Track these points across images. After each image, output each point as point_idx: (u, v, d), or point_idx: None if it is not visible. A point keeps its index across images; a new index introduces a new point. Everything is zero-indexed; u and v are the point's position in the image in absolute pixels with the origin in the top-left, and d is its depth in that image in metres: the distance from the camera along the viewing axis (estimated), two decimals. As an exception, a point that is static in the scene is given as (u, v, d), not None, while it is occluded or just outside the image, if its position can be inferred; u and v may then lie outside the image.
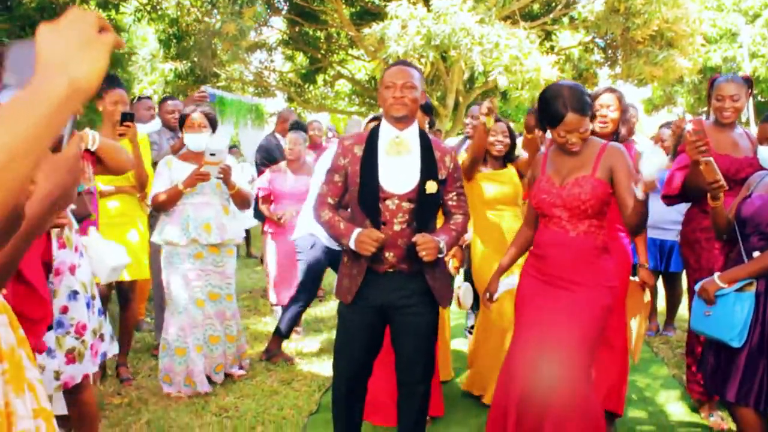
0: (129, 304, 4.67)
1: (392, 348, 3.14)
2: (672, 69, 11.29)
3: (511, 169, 4.30)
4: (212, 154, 4.03)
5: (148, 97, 6.10)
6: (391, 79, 2.93)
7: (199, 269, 4.30)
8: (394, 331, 3.08)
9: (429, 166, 2.97)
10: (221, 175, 4.13)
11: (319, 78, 16.69)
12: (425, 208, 2.97)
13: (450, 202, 3.09)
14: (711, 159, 3.09)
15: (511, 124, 4.53)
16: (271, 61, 16.26)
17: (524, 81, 10.57)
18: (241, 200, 4.40)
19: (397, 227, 2.93)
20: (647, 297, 3.74)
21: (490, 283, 3.31)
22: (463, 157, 4.36)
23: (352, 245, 2.90)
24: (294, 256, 5.48)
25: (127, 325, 4.68)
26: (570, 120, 2.81)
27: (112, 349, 4.83)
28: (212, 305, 4.36)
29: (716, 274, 3.10)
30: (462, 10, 10.00)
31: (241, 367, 4.70)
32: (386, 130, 2.98)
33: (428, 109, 4.19)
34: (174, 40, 13.71)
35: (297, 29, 14.81)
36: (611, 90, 3.72)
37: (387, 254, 2.95)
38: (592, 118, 3.24)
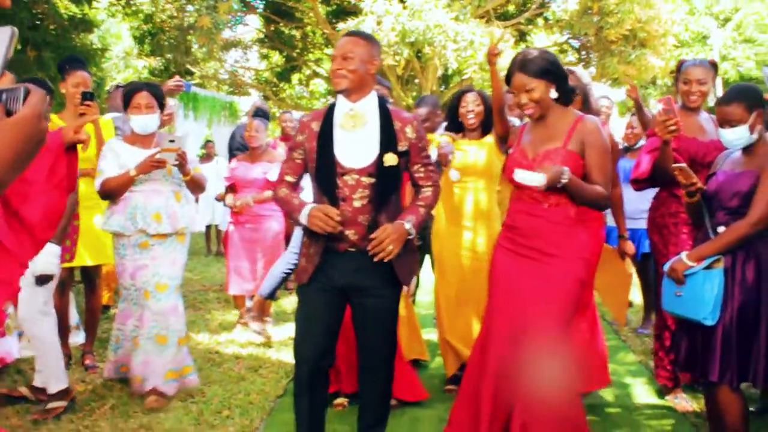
0: (94, 290, 4.61)
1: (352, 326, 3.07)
2: (645, 68, 11.45)
3: (488, 140, 4.18)
4: (171, 141, 3.77)
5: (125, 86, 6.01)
6: (333, 52, 2.87)
7: (148, 257, 3.91)
8: (354, 313, 2.99)
9: (388, 137, 2.85)
10: (177, 162, 3.80)
11: (294, 77, 16.69)
12: (385, 183, 2.84)
13: (417, 174, 2.97)
14: (684, 165, 3.10)
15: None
16: (247, 59, 16.24)
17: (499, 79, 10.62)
18: (195, 186, 4.07)
19: (357, 203, 2.82)
20: (630, 267, 3.77)
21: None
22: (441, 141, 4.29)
23: (303, 220, 2.81)
24: (253, 245, 5.54)
25: (92, 311, 4.61)
26: (515, 80, 2.88)
27: (78, 338, 4.81)
28: (159, 298, 3.90)
29: (684, 253, 3.09)
30: (437, 7, 10.05)
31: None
32: (341, 104, 2.88)
33: None
34: (148, 37, 13.61)
35: (272, 27, 14.79)
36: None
37: (347, 232, 2.83)
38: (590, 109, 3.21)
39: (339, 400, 3.87)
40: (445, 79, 15.44)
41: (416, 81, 14.89)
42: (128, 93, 3.95)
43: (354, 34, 2.94)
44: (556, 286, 2.84)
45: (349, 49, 2.79)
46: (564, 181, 2.74)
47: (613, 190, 3.49)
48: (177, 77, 5.11)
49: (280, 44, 15.10)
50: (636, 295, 6.20)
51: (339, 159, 2.82)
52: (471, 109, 4.15)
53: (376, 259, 2.76)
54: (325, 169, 2.83)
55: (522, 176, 2.81)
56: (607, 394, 4.18)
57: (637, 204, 5.18)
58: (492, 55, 3.90)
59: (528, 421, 2.81)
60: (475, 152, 4.17)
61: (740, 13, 19.57)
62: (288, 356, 4.80)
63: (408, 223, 2.82)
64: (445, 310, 4.21)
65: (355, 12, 11.82)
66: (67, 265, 4.25)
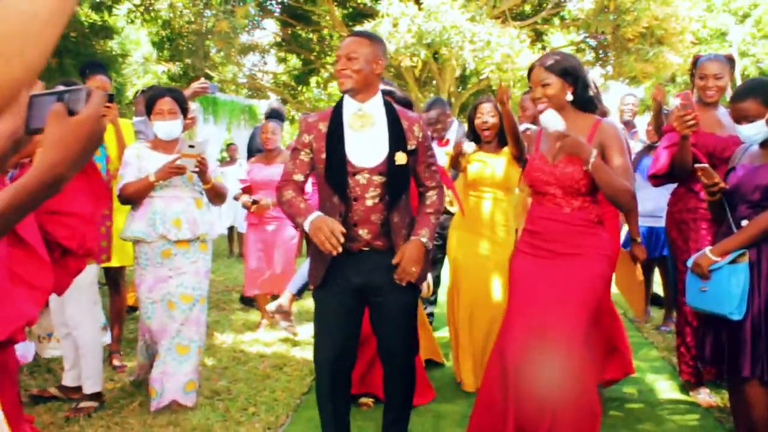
0: (119, 290, 4.69)
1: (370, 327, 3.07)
2: (663, 65, 11.40)
3: (505, 150, 4.20)
4: (191, 146, 3.70)
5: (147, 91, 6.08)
6: (337, 52, 2.85)
7: (169, 268, 3.81)
8: (372, 312, 2.98)
9: (397, 136, 2.84)
10: (197, 169, 3.72)
11: (312, 80, 16.76)
12: (396, 181, 2.84)
13: (423, 174, 2.97)
14: (706, 165, 3.10)
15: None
16: (264, 63, 16.34)
17: (516, 79, 10.64)
18: (216, 195, 3.95)
19: (369, 202, 2.82)
20: (640, 275, 3.77)
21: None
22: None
23: (306, 227, 2.74)
24: (269, 246, 5.55)
25: (117, 312, 4.69)
26: (534, 73, 2.94)
27: (104, 338, 4.90)
28: (184, 309, 3.81)
29: (707, 248, 3.07)
30: (453, 8, 10.07)
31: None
32: (349, 104, 2.86)
33: (406, 105, 3.95)
34: (167, 42, 13.75)
35: (289, 31, 14.89)
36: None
37: (360, 231, 2.83)
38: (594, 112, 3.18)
39: (364, 400, 3.89)
40: (463, 80, 15.46)
41: (434, 82, 14.92)
42: (151, 99, 3.92)
43: (358, 34, 2.93)
44: (579, 285, 2.83)
45: (353, 49, 2.77)
46: (592, 159, 2.71)
47: None
48: (202, 79, 5.14)
49: (297, 47, 15.20)
50: (660, 292, 6.19)
51: (350, 158, 2.81)
52: (485, 120, 4.18)
53: (403, 284, 2.82)
54: (336, 168, 2.81)
55: (547, 117, 2.82)
56: (631, 389, 4.19)
57: (660, 202, 5.13)
58: (501, 98, 3.86)
59: (555, 427, 2.80)
60: (492, 163, 4.20)
61: (759, 9, 19.40)
62: (311, 354, 4.84)
63: (424, 238, 2.84)
64: (460, 326, 4.23)
65: (371, 14, 11.89)
66: (105, 265, 4.36)
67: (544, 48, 13.83)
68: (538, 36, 14.20)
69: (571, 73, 2.89)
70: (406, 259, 2.78)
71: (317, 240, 2.68)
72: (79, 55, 11.90)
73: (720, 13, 19.86)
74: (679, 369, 4.16)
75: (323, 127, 2.86)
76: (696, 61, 3.89)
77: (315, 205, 2.99)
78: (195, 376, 3.86)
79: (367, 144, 2.83)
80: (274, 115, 6.15)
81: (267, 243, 5.57)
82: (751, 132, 3.03)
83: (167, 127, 3.86)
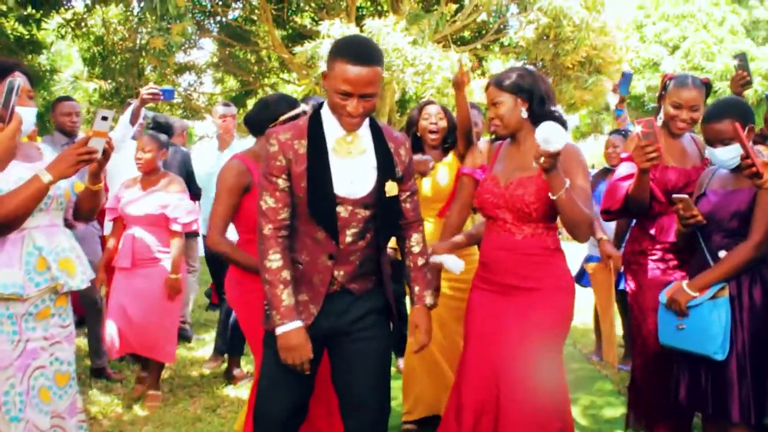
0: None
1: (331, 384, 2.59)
2: (601, 93, 11.56)
3: (449, 159, 3.87)
4: (104, 118, 2.47)
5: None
6: (347, 82, 2.21)
7: (45, 337, 2.59)
8: (336, 359, 2.51)
9: (386, 162, 2.42)
10: (100, 156, 2.49)
11: (250, 102, 16.42)
12: (386, 216, 2.43)
13: (405, 205, 2.55)
14: (686, 197, 2.87)
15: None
16: (201, 83, 15.95)
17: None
18: (93, 205, 2.79)
19: (348, 239, 2.39)
20: (613, 278, 3.59)
21: (435, 247, 3.07)
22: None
23: (278, 332, 2.32)
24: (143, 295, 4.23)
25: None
26: (488, 93, 2.77)
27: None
28: (61, 394, 2.63)
29: (684, 282, 2.86)
30: (395, 31, 9.96)
31: None
32: (333, 125, 2.38)
33: None
34: (99, 59, 13.26)
35: (227, 51, 14.56)
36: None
37: (336, 273, 2.41)
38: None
39: None
40: (402, 104, 15.38)
41: (373, 105, 14.80)
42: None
43: (372, 58, 2.27)
44: (540, 323, 2.63)
45: (372, 82, 2.26)
46: (563, 190, 2.47)
47: None
48: (151, 83, 4.73)
49: (235, 68, 14.86)
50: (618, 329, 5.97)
51: (334, 188, 2.37)
52: (434, 122, 3.84)
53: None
54: (322, 199, 2.35)
55: (549, 129, 2.40)
56: (585, 429, 4.03)
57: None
58: (461, 80, 3.64)
59: None
60: (444, 174, 3.82)
61: (687, 41, 20.04)
62: (247, 393, 4.55)
63: (429, 302, 2.59)
64: (419, 357, 3.69)
65: (311, 36, 11.69)
66: None
67: (483, 74, 13.88)
68: (478, 62, 14.25)
69: (524, 89, 2.69)
70: (423, 334, 2.56)
71: (285, 358, 2.33)
72: (4, 70, 11.34)
73: (652, 44, 20.44)
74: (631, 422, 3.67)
75: (300, 147, 2.37)
76: (666, 83, 3.36)
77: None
78: None
79: (351, 171, 2.39)
80: (156, 126, 4.81)
81: (140, 290, 4.24)
82: (726, 156, 2.83)
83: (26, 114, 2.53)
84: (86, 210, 2.80)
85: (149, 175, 4.31)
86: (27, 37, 11.49)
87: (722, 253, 2.81)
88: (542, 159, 2.42)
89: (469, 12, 12.23)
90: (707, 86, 3.35)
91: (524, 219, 2.68)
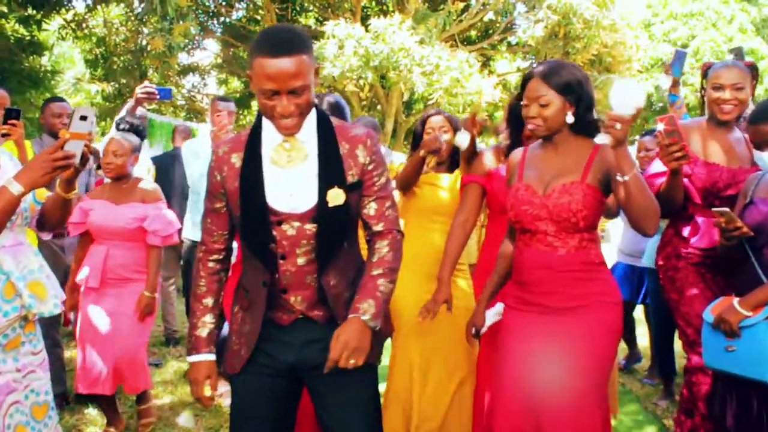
0: None
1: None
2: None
3: (458, 174, 3.50)
4: (83, 118, 2.20)
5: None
6: (269, 78, 1.90)
7: (17, 368, 2.35)
8: (316, 401, 2.19)
9: (331, 167, 2.06)
10: (77, 161, 2.20)
11: (254, 103, 16.26)
12: (331, 229, 2.07)
13: (368, 212, 2.13)
14: (727, 210, 2.61)
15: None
16: (204, 84, 15.82)
17: (465, 104, 10.40)
18: (63, 215, 2.51)
19: (301, 260, 2.07)
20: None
21: (475, 315, 2.73)
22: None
23: (189, 359, 2.16)
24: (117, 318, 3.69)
25: None
26: (531, 86, 2.41)
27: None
28: (40, 428, 2.42)
29: (735, 300, 2.61)
30: (401, 29, 9.78)
31: None
32: (271, 133, 2.06)
33: (337, 109, 3.22)
34: (101, 61, 13.13)
35: (231, 52, 14.41)
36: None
37: (292, 299, 2.10)
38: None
39: None
40: (408, 105, 15.20)
41: (378, 107, 14.62)
42: None
43: (291, 49, 1.92)
44: (587, 342, 2.34)
45: (297, 75, 1.93)
46: (635, 170, 2.21)
47: None
48: (146, 82, 4.49)
49: (238, 69, 14.71)
50: (643, 339, 5.59)
51: (271, 203, 2.04)
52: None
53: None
54: (254, 217, 2.06)
55: (625, 85, 2.17)
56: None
57: (637, 241, 4.70)
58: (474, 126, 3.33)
59: None
60: (447, 188, 3.49)
61: (696, 40, 19.81)
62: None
63: (365, 315, 2.00)
64: (403, 375, 3.36)
65: (316, 36, 11.52)
66: None
67: (491, 73, 13.69)
68: (485, 61, 14.06)
69: (576, 91, 2.37)
70: (340, 347, 1.94)
71: (194, 393, 2.15)
72: (4, 71, 11.22)
73: (660, 42, 20.23)
74: None
75: (236, 160, 2.08)
76: (707, 70, 3.11)
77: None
78: None
79: (290, 182, 2.05)
80: (127, 127, 3.91)
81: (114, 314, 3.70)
82: None
83: None
84: (54, 220, 2.47)
85: (120, 183, 3.79)
86: (28, 38, 11.36)
87: None
88: (617, 125, 2.14)
89: (476, 11, 12.04)
90: (753, 69, 3.06)
91: (570, 229, 2.38)
